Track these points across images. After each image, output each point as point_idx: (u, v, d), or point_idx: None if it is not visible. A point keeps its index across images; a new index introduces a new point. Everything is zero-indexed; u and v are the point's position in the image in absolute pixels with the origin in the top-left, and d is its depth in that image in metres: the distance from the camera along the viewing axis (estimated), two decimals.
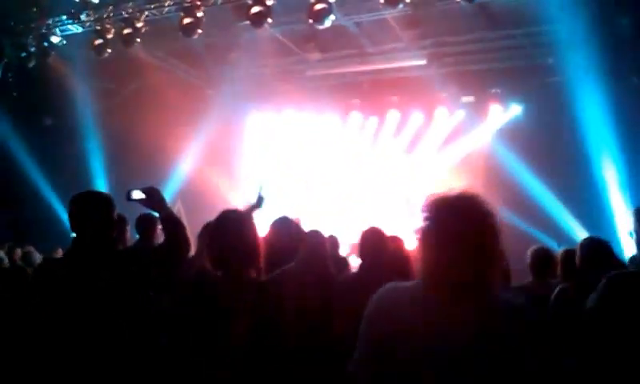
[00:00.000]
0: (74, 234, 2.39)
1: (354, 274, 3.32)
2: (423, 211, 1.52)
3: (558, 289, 3.27)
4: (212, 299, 2.10)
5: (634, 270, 3.95)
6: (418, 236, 1.52)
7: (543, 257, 3.83)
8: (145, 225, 3.91)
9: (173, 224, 2.42)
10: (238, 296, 2.05)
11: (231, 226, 2.21)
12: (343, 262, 4.00)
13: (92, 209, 2.35)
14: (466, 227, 1.43)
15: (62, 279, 2.28)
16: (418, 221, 1.53)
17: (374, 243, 3.12)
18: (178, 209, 7.61)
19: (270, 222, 3.10)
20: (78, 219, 2.36)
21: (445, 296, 1.45)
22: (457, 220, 1.45)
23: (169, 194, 8.94)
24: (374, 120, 10.16)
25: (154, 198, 2.44)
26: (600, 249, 3.22)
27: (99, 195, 2.46)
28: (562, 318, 2.75)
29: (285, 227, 3.03)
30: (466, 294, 1.44)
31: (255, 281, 2.19)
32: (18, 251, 7.25)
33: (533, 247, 3.93)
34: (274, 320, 2.06)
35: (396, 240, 3.43)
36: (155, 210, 2.50)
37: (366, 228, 3.27)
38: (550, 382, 1.42)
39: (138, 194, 2.42)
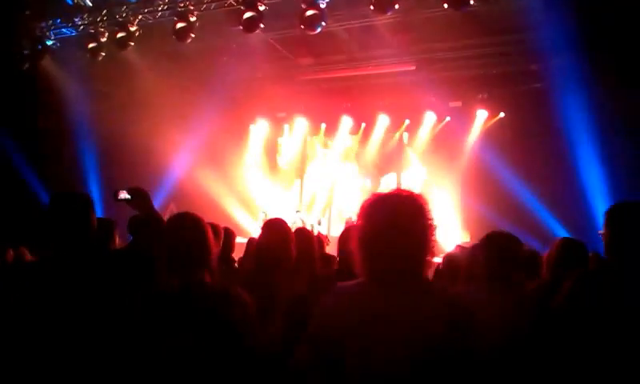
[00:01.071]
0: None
1: (334, 270, 3.27)
2: (358, 212, 1.63)
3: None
4: (165, 309, 1.97)
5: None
6: (355, 234, 1.62)
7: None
8: (136, 226, 3.76)
9: (157, 226, 2.36)
10: (194, 303, 1.95)
11: (177, 230, 2.11)
12: (331, 259, 4.08)
13: (67, 210, 2.25)
14: (395, 222, 1.54)
15: (38, 282, 2.18)
16: (355, 220, 1.64)
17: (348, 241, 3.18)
18: (171, 210, 7.67)
19: (263, 225, 3.11)
20: (53, 221, 2.25)
21: (379, 288, 1.55)
22: (386, 216, 1.55)
23: (162, 195, 9.01)
24: (363, 123, 10.34)
25: (139, 198, 2.39)
26: (573, 248, 3.37)
27: (75, 197, 2.33)
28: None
29: (277, 229, 2.93)
30: (398, 283, 1.53)
31: (214, 285, 2.05)
32: (10, 252, 7.28)
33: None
34: (234, 326, 1.92)
35: None
36: (140, 211, 2.41)
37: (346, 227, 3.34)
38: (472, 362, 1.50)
39: (124, 195, 2.38)
